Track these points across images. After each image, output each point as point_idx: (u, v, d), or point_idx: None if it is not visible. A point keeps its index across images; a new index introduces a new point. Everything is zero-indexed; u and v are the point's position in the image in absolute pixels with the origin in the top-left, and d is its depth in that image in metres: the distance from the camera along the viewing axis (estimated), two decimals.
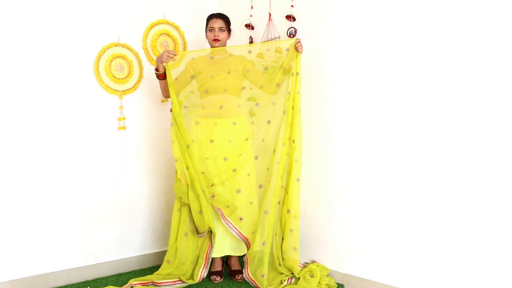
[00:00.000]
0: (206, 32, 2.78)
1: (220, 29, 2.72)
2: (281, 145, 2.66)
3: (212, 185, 2.70)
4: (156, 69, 2.68)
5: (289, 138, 2.64)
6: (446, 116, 2.23)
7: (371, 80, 2.51)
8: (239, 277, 2.80)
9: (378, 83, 2.48)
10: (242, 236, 2.73)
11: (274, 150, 2.72)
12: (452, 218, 2.24)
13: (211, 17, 2.76)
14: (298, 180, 2.63)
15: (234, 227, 2.71)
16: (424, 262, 2.34)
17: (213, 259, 2.88)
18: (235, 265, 2.89)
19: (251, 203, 2.77)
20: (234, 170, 2.73)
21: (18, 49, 2.50)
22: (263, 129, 2.81)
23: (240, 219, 2.73)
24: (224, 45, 2.78)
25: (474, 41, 2.13)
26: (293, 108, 2.62)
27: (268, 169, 2.77)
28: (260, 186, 2.82)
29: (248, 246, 2.74)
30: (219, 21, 2.72)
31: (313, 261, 2.79)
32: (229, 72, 2.71)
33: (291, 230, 2.64)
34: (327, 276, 2.70)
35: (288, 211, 2.63)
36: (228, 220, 2.70)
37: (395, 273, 2.46)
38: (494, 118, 2.09)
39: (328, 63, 2.70)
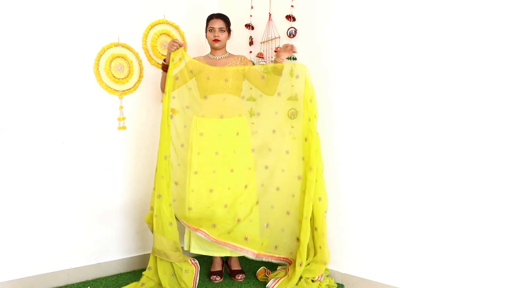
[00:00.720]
0: (206, 32, 2.79)
1: (220, 29, 2.72)
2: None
3: (237, 221, 2.71)
4: (165, 60, 2.68)
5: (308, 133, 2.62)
6: (446, 115, 2.23)
7: (371, 80, 2.51)
8: (239, 277, 2.80)
9: (379, 84, 2.48)
10: (285, 260, 2.77)
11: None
12: (452, 218, 2.24)
13: (211, 17, 2.76)
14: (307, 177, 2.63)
15: (272, 256, 2.74)
16: (424, 262, 2.34)
17: (213, 258, 2.90)
18: (235, 265, 2.89)
19: (282, 230, 2.80)
20: (262, 185, 2.78)
21: (18, 49, 2.51)
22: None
23: (276, 247, 2.78)
24: (224, 45, 2.79)
25: (474, 41, 2.13)
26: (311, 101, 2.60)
27: (299, 177, 2.74)
28: (293, 196, 2.77)
29: (291, 264, 2.75)
30: (219, 22, 2.73)
31: None
32: (229, 72, 2.71)
33: (315, 229, 2.62)
34: (327, 276, 2.70)
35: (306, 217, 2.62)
36: (265, 255, 2.71)
37: (395, 273, 2.46)
38: (494, 119, 2.09)
39: (328, 63, 2.70)
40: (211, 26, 2.73)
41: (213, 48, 2.79)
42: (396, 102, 2.41)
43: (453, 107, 2.21)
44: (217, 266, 2.88)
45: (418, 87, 2.32)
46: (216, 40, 2.72)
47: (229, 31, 2.78)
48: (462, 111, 2.18)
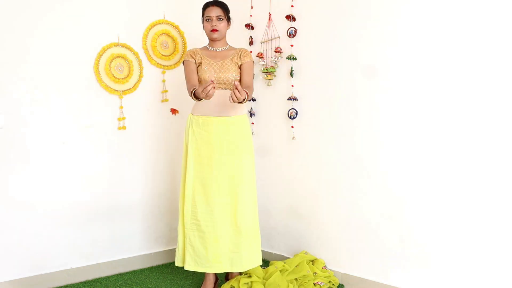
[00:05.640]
0: (202, 23, 2.51)
1: (218, 18, 2.44)
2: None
3: None
4: (196, 96, 2.33)
5: None
6: (443, 115, 2.23)
7: (370, 79, 2.51)
8: None
9: (377, 83, 2.48)
10: None
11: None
12: (452, 218, 2.23)
13: (207, 5, 2.48)
14: None
15: None
16: (424, 262, 2.34)
17: (205, 276, 2.57)
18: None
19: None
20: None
21: (18, 49, 2.51)
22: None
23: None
24: (224, 36, 2.53)
25: (474, 40, 2.13)
26: None
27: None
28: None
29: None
30: (217, 9, 2.45)
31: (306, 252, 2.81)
32: (229, 66, 2.47)
33: None
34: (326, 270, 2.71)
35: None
36: None
37: (395, 273, 2.46)
38: (492, 118, 2.09)
39: (327, 63, 2.70)
40: (208, 15, 2.45)
41: (212, 40, 2.51)
42: (395, 101, 2.41)
43: (450, 108, 2.20)
44: (209, 285, 2.54)
45: (417, 88, 2.32)
46: (214, 30, 2.43)
47: (228, 19, 2.51)
48: (460, 110, 2.18)
